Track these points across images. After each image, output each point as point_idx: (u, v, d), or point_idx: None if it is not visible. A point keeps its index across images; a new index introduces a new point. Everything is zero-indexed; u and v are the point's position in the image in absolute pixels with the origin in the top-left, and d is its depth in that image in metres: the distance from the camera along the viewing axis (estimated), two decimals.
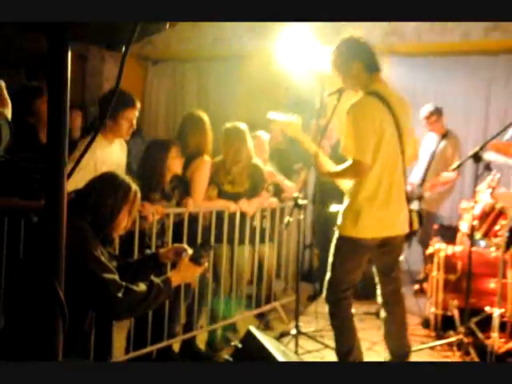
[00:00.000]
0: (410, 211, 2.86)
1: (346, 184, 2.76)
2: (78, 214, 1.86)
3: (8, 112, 1.10)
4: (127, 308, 1.84)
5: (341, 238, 2.70)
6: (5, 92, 1.12)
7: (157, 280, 1.91)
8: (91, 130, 3.04)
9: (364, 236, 2.64)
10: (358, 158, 2.54)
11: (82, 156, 1.07)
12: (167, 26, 0.84)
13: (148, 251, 2.37)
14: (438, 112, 4.70)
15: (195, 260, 2.04)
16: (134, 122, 2.82)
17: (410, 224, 2.80)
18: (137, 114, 2.83)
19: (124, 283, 1.83)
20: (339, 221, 2.72)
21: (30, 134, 2.55)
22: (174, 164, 3.02)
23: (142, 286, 1.87)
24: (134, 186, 2.02)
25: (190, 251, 2.08)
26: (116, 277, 1.83)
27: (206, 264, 2.12)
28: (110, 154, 2.80)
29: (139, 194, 2.06)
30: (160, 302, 1.97)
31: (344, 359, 2.81)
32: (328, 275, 2.77)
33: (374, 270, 2.89)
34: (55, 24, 0.85)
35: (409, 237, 2.88)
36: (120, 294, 1.78)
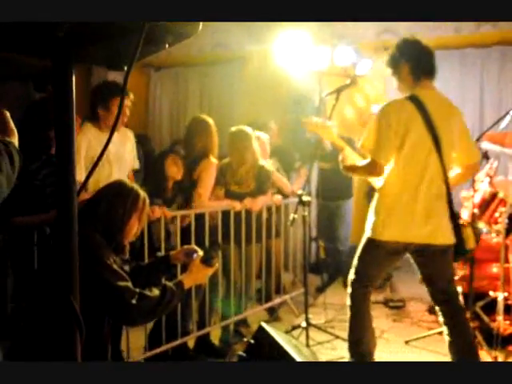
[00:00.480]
0: (463, 226, 2.67)
1: (377, 183, 2.69)
2: (89, 224, 1.86)
3: (15, 140, 1.10)
4: (142, 314, 1.84)
5: (366, 237, 2.66)
6: (11, 122, 1.12)
7: (169, 284, 1.90)
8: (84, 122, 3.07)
9: (383, 238, 2.57)
10: (374, 157, 2.50)
11: (98, 159, 1.05)
12: (166, 46, 0.85)
13: (159, 254, 2.38)
14: None
15: (206, 261, 2.02)
16: (127, 111, 2.86)
17: (463, 240, 2.62)
18: (129, 103, 2.86)
19: (138, 289, 1.83)
20: (367, 221, 2.68)
21: (48, 147, 2.57)
22: (172, 171, 3.10)
23: (156, 291, 1.86)
24: (143, 194, 2.01)
25: (201, 253, 2.07)
26: (129, 284, 1.83)
27: (217, 265, 2.11)
28: (103, 143, 2.84)
29: (148, 201, 2.05)
30: (174, 305, 1.96)
31: (353, 348, 2.78)
32: (353, 265, 2.74)
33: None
34: (60, 50, 0.86)
35: (461, 254, 2.69)
36: (134, 301, 1.78)
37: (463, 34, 5.16)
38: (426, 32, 5.37)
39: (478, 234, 3.17)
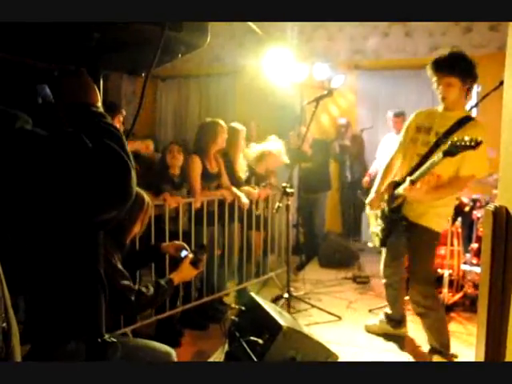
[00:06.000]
0: None
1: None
2: None
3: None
4: (139, 308, 1.86)
5: (432, 233, 2.51)
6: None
7: (162, 282, 1.88)
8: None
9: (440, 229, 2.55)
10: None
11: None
12: (179, 56, 0.85)
13: (152, 244, 2.33)
14: (402, 115, 4.71)
15: (194, 264, 2.01)
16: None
17: None
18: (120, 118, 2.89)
19: (136, 287, 1.81)
20: (433, 218, 2.50)
21: None
22: (175, 159, 3.04)
23: (151, 289, 1.84)
24: (147, 198, 1.93)
25: (191, 255, 2.02)
26: (130, 282, 1.79)
27: (202, 268, 2.10)
28: None
29: (151, 204, 1.98)
30: (164, 298, 2.03)
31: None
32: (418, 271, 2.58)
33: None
34: (91, 58, 0.86)
35: None
36: (133, 298, 1.76)
37: (418, 57, 5.28)
38: (389, 54, 5.46)
39: None
